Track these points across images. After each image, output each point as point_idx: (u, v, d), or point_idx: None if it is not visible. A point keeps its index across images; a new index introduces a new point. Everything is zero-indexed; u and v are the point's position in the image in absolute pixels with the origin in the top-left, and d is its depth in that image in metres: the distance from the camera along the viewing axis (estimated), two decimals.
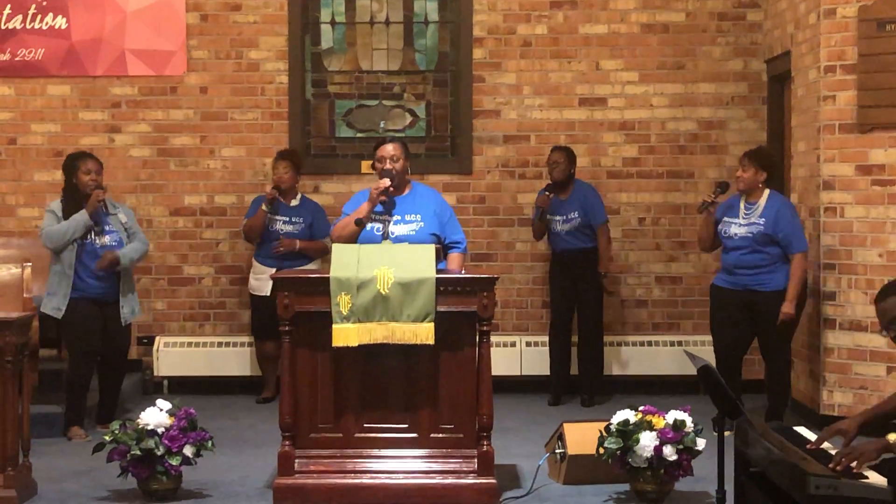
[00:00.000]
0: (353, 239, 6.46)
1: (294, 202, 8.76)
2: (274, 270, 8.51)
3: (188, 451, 5.98)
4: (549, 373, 8.89)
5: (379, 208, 6.53)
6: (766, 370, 7.71)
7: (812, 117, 7.97)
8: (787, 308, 7.38)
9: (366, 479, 5.93)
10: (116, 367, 7.88)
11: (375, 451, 5.99)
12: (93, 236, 7.58)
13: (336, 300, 5.86)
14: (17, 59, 9.32)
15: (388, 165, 6.58)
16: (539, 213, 8.68)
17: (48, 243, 7.58)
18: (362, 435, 6.00)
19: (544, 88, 9.36)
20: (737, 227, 7.52)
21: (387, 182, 6.51)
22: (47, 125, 9.40)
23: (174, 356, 9.17)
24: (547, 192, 8.59)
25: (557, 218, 8.64)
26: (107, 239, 7.63)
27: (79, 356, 7.67)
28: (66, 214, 7.56)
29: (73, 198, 7.63)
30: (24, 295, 7.94)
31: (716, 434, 4.97)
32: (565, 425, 6.33)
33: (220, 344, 9.23)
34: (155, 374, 9.14)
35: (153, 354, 9.17)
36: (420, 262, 5.93)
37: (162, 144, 9.40)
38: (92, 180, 7.61)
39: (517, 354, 9.08)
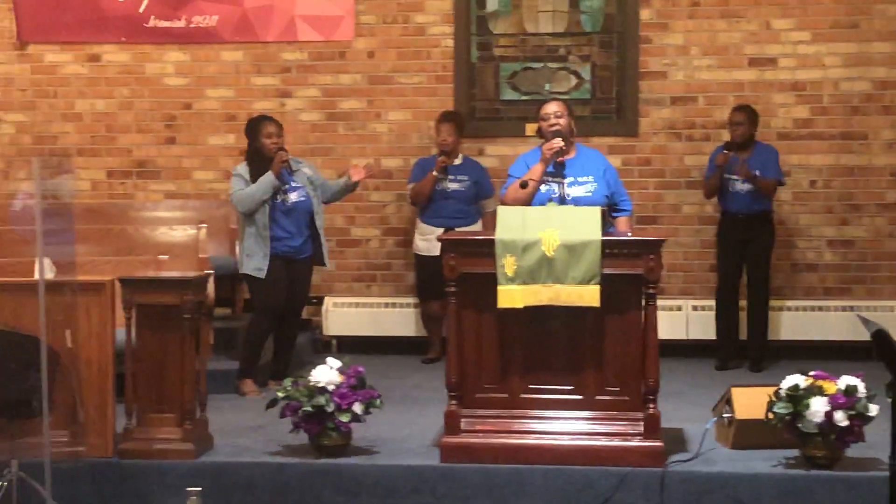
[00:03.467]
0: (524, 202, 6.48)
1: (457, 161, 8.84)
2: (440, 231, 8.64)
3: (357, 408, 6.09)
4: (715, 337, 8.81)
5: (550, 169, 6.54)
6: None
7: None
8: None
9: (531, 440, 5.97)
10: (293, 325, 8.07)
11: (540, 413, 6.02)
12: (281, 195, 7.75)
13: (501, 262, 5.89)
14: (192, 25, 9.56)
15: (552, 121, 6.59)
16: (715, 171, 8.54)
17: (240, 207, 7.75)
18: (527, 396, 6.03)
19: (713, 49, 9.23)
20: None
21: (559, 142, 6.52)
22: (221, 90, 9.64)
23: (342, 316, 9.35)
24: (725, 150, 8.45)
25: (736, 177, 8.49)
26: (294, 196, 7.80)
27: (263, 313, 7.87)
28: (253, 177, 7.74)
29: (257, 160, 7.79)
30: (200, 255, 8.19)
31: (889, 400, 4.87)
32: (733, 389, 6.27)
33: (385, 304, 9.38)
34: (324, 333, 9.34)
35: (322, 314, 9.36)
36: (586, 224, 5.92)
37: (330, 109, 9.56)
38: (273, 143, 7.78)
39: (683, 318, 9.01)
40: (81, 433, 6.10)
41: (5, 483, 5.67)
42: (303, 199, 7.83)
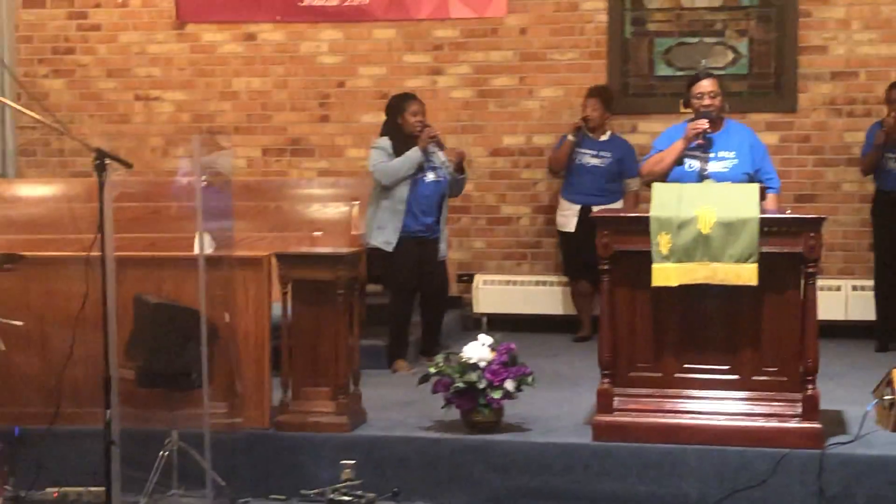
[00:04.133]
0: (664, 175, 6.42)
1: (603, 137, 8.77)
2: (577, 207, 8.60)
3: (509, 385, 6.09)
4: (875, 318, 8.59)
5: (693, 145, 6.45)
6: None
7: None
8: None
9: (685, 420, 5.90)
10: (437, 303, 8.11)
11: (695, 392, 5.94)
12: (421, 173, 7.78)
13: (656, 239, 5.82)
14: (345, 4, 9.64)
15: (706, 101, 6.51)
16: (873, 149, 8.31)
17: (383, 179, 7.77)
18: (682, 375, 5.96)
19: (875, 22, 8.97)
20: None
21: (704, 123, 6.45)
22: (373, 68, 9.71)
23: (492, 293, 9.35)
24: (883, 129, 8.22)
25: (893, 155, 8.26)
26: (432, 175, 7.83)
27: (397, 291, 7.93)
28: (398, 152, 7.77)
29: (398, 137, 7.83)
30: (352, 232, 8.27)
31: None
32: (895, 371, 6.10)
33: (536, 282, 9.36)
34: (474, 310, 9.36)
35: (472, 292, 9.38)
36: (743, 202, 5.81)
37: (482, 86, 9.55)
38: (419, 121, 7.81)
39: (843, 298, 8.80)
40: (239, 405, 6.22)
41: (166, 452, 5.82)
42: (441, 179, 7.85)
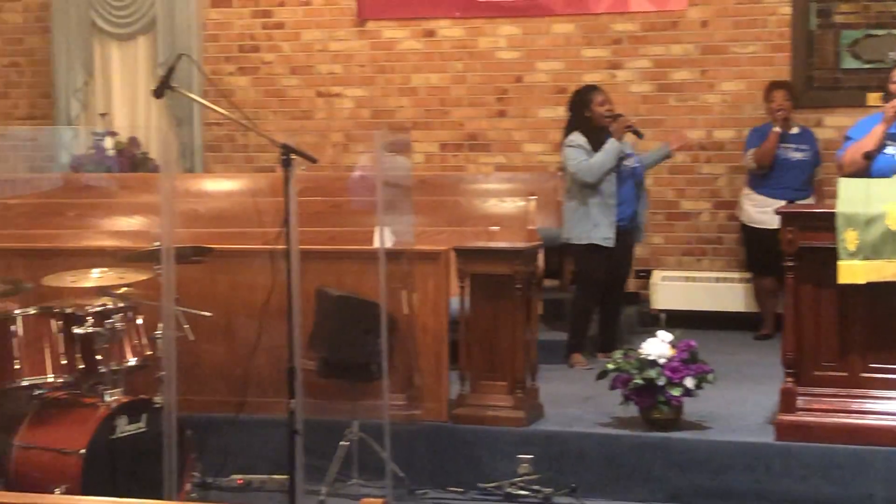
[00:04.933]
0: (861, 168, 6.25)
1: (795, 130, 8.59)
2: (779, 203, 8.41)
3: (689, 382, 6.02)
4: None
5: (893, 131, 6.27)
6: None
7: None
8: None
9: (871, 420, 5.75)
10: (617, 298, 8.06)
11: (882, 392, 5.78)
12: (622, 162, 7.75)
13: (842, 236, 5.68)
14: None
15: None
16: None
17: (588, 177, 7.67)
18: (868, 375, 5.80)
19: None
20: None
21: None
22: (551, 63, 9.69)
23: (671, 289, 9.23)
24: None
25: None
26: (630, 161, 7.79)
27: (591, 285, 7.89)
28: (592, 146, 7.71)
29: (589, 130, 7.78)
30: (529, 227, 8.27)
31: None
32: None
33: (716, 279, 9.21)
34: (652, 306, 9.26)
35: (650, 287, 9.29)
36: None
37: (662, 80, 9.46)
38: (608, 110, 7.76)
39: None
40: (417, 397, 6.29)
41: (347, 443, 5.92)
42: (637, 165, 7.80)
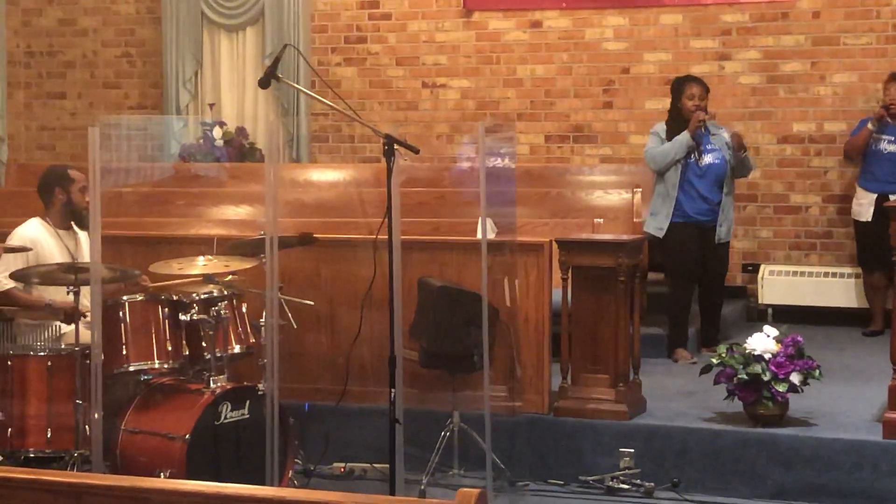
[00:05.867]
0: None
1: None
2: (874, 196, 8.26)
3: (795, 378, 5.92)
4: None
5: None
6: None
7: None
8: None
9: None
10: (714, 291, 7.96)
11: None
12: (695, 156, 7.66)
13: None
14: None
15: None
16: None
17: (652, 164, 7.76)
18: None
19: None
20: None
21: None
22: (659, 54, 9.60)
23: (779, 284, 9.10)
24: None
25: None
26: (709, 158, 7.69)
27: (677, 279, 7.83)
28: (670, 136, 7.69)
29: (677, 120, 7.74)
30: (634, 219, 8.21)
31: None
32: None
33: (825, 274, 9.06)
34: (759, 301, 9.13)
35: (757, 282, 9.16)
36: None
37: (771, 71, 9.31)
38: (695, 105, 7.69)
39: None
40: (518, 389, 6.29)
41: (448, 433, 5.93)
42: (717, 161, 7.69)
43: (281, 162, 9.83)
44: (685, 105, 7.72)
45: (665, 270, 8.05)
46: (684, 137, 7.61)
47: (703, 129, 7.66)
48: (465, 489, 2.90)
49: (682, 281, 7.81)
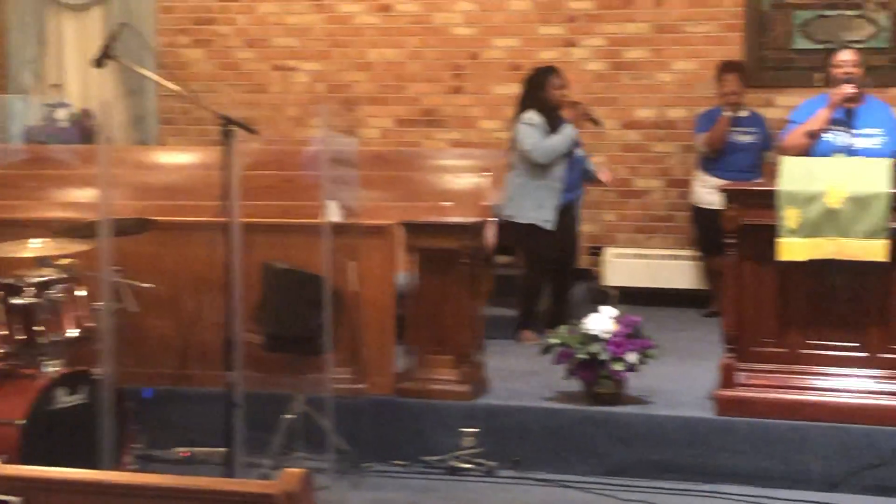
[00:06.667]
0: (805, 150, 6.30)
1: (744, 113, 8.65)
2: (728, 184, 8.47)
3: (632, 357, 6.07)
4: None
5: (839, 114, 6.32)
6: None
7: None
8: None
9: (810, 396, 5.82)
10: (568, 274, 8.11)
11: (821, 369, 5.86)
12: (574, 150, 7.81)
13: (783, 213, 5.74)
14: None
15: (847, 69, 6.38)
16: None
17: (542, 158, 7.73)
18: (808, 351, 5.88)
19: None
20: None
21: (851, 88, 6.30)
22: (507, 40, 9.70)
23: (622, 267, 9.29)
24: None
25: None
26: (580, 151, 7.88)
27: (539, 263, 7.95)
28: (550, 127, 7.75)
29: (545, 110, 7.81)
30: (482, 203, 8.29)
31: None
32: None
33: (667, 256, 9.28)
34: (604, 283, 9.32)
35: (601, 264, 9.34)
36: (874, 177, 5.69)
37: (615, 58, 9.49)
38: (563, 94, 7.80)
39: None
40: (363, 371, 6.33)
41: (291, 416, 5.93)
42: (583, 155, 7.90)
43: (128, 144, 9.71)
44: (554, 95, 7.80)
45: (529, 254, 8.12)
46: (572, 130, 7.72)
47: (592, 122, 7.83)
48: (290, 470, 2.92)
49: (544, 265, 7.93)
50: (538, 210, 7.78)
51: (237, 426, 5.14)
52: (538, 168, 7.75)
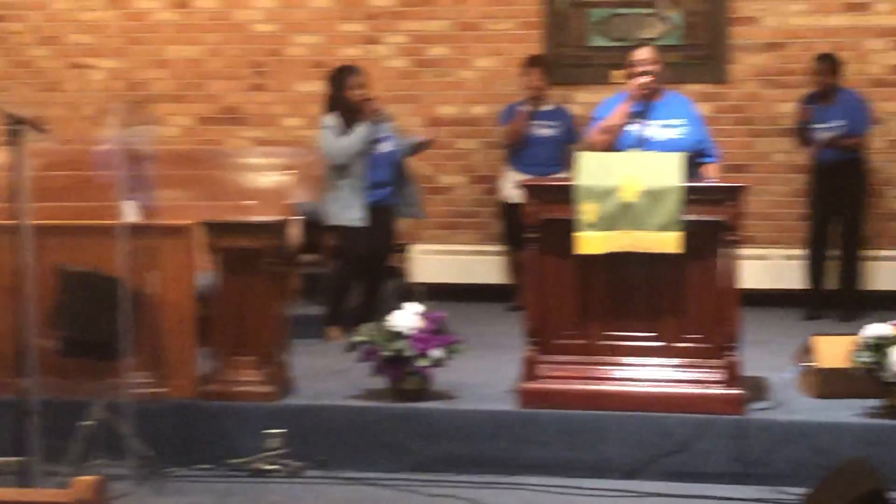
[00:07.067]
0: (607, 145, 6.42)
1: (548, 107, 8.79)
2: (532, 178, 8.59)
3: (437, 353, 6.09)
4: (805, 287, 8.68)
5: (638, 108, 6.45)
6: None
7: None
8: None
9: (610, 386, 5.94)
10: (379, 272, 8.11)
11: (620, 359, 5.98)
12: (373, 146, 7.77)
13: (581, 208, 5.84)
14: None
15: (644, 67, 6.53)
16: (801, 123, 8.46)
17: (336, 159, 7.72)
18: (607, 342, 5.99)
19: None
20: None
21: (646, 78, 6.44)
22: (309, 37, 9.65)
23: (429, 263, 9.35)
24: (806, 104, 8.37)
25: (819, 126, 8.37)
26: (387, 145, 7.83)
27: (353, 261, 7.91)
28: (346, 126, 7.73)
29: (346, 110, 7.79)
30: (286, 201, 8.24)
31: None
32: (814, 338, 6.18)
33: (472, 252, 9.37)
34: (412, 280, 9.35)
35: (408, 261, 9.37)
36: (668, 170, 5.83)
37: (418, 55, 9.53)
38: (362, 93, 7.78)
39: (773, 267, 8.89)
40: (164, 375, 6.20)
41: (90, 422, 5.78)
42: (395, 148, 7.85)
43: None
44: (353, 94, 7.78)
45: (345, 253, 8.07)
46: (364, 130, 7.69)
47: (378, 118, 7.77)
48: (83, 477, 2.84)
49: (358, 263, 7.90)
50: (346, 210, 7.76)
51: (33, 434, 4.97)
52: (340, 169, 7.74)
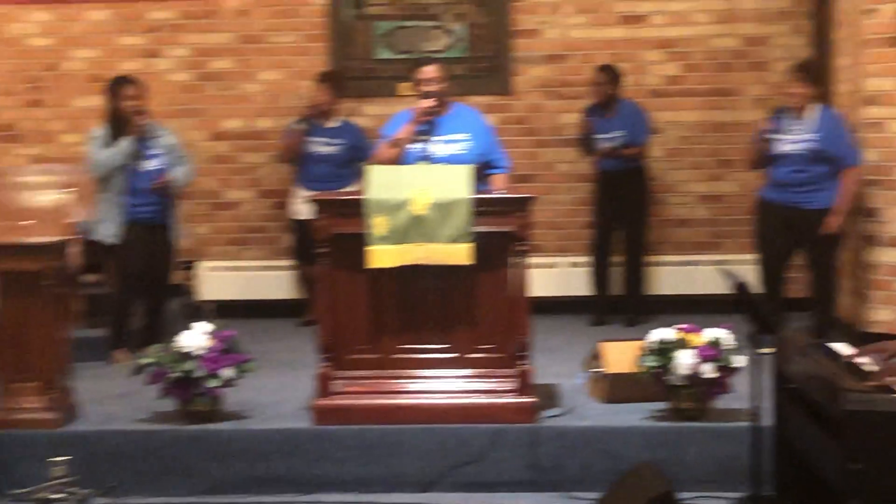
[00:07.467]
0: (394, 161, 6.42)
1: (333, 124, 8.75)
2: (314, 194, 8.54)
3: (228, 373, 5.98)
4: (591, 293, 8.87)
5: (423, 127, 6.48)
6: (810, 287, 7.66)
7: (856, 31, 7.80)
8: (832, 222, 7.31)
9: (404, 400, 5.92)
10: (160, 291, 7.93)
11: (414, 372, 5.97)
12: (138, 161, 7.58)
13: (372, 221, 5.82)
14: None
15: (428, 86, 6.55)
16: (584, 134, 8.65)
17: (94, 171, 7.56)
18: (400, 356, 5.97)
19: (584, 6, 9.24)
20: (789, 144, 7.41)
21: (431, 101, 6.47)
22: (87, 51, 9.40)
23: (216, 280, 9.21)
24: (587, 115, 8.58)
25: (601, 136, 8.58)
26: (153, 163, 7.64)
27: (126, 280, 7.72)
28: (112, 139, 7.55)
29: (116, 123, 7.61)
30: (66, 221, 7.97)
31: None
32: (602, 344, 6.31)
33: (261, 268, 9.26)
34: (197, 298, 9.18)
35: (195, 279, 9.20)
36: (456, 183, 5.87)
37: (200, 69, 9.37)
38: (133, 105, 7.60)
39: (559, 275, 9.06)
40: None
41: None
42: (161, 167, 7.67)
43: None
44: (124, 106, 7.59)
45: (115, 272, 7.87)
46: (126, 144, 7.51)
47: (146, 133, 7.58)
48: None
49: (131, 281, 7.70)
50: (101, 225, 7.59)
51: None
52: (101, 182, 7.57)
